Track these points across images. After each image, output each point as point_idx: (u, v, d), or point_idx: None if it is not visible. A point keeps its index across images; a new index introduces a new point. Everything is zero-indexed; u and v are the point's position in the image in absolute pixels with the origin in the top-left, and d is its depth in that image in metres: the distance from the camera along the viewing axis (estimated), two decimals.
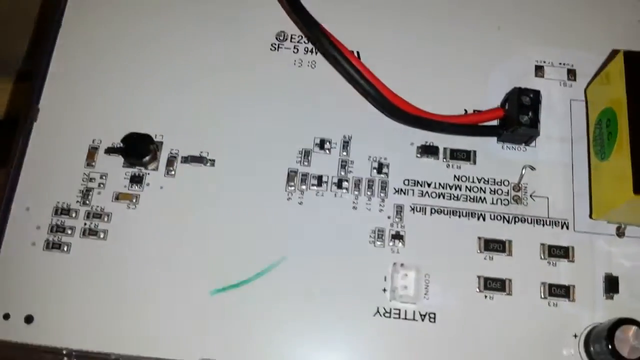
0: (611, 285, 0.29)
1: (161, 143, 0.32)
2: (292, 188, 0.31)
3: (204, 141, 0.32)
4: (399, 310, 0.29)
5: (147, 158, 0.31)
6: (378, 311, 0.29)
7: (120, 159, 0.32)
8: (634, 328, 0.26)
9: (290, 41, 0.35)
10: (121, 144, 0.32)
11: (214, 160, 0.32)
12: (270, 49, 0.34)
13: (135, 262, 0.30)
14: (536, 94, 0.30)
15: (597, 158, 0.30)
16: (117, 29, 0.34)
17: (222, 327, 0.29)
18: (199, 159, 0.32)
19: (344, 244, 0.30)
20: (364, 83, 0.31)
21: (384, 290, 0.30)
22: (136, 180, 0.32)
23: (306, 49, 0.34)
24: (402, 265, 0.29)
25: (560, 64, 0.34)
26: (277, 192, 0.31)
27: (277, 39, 0.34)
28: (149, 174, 0.32)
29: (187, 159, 0.32)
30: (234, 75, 0.34)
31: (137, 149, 0.32)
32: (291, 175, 0.32)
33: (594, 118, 0.31)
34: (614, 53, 0.32)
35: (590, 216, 0.30)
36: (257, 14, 0.35)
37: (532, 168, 0.31)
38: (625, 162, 0.26)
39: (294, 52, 0.34)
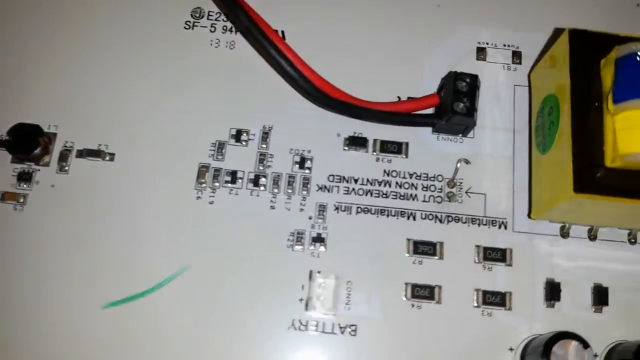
0: (552, 292, 0.26)
1: (54, 134, 0.28)
2: (203, 185, 0.28)
3: (102, 133, 0.29)
4: (317, 322, 0.26)
5: (36, 152, 0.28)
6: (293, 324, 0.26)
7: (7, 154, 0.28)
8: (574, 343, 0.23)
9: (208, 18, 0.31)
10: (7, 137, 0.28)
11: (113, 155, 0.28)
12: (185, 28, 0.30)
13: (22, 270, 0.26)
14: (473, 79, 0.27)
15: (538, 151, 0.27)
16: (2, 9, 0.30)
17: (115, 344, 0.26)
18: (96, 153, 0.28)
19: (259, 248, 0.27)
20: (284, 63, 0.27)
21: (301, 300, 0.26)
22: (24, 177, 0.28)
23: (225, 28, 0.31)
24: (319, 272, 0.26)
25: (504, 45, 0.30)
26: (186, 190, 0.28)
27: (192, 16, 0.31)
28: (39, 170, 0.28)
29: (82, 153, 0.28)
30: (140, 57, 0.30)
31: (24, 142, 0.28)
32: (202, 171, 0.28)
33: (536, 106, 0.28)
34: (557, 32, 0.29)
35: (529, 215, 0.27)
36: None
37: (467, 162, 0.27)
38: (565, 156, 0.23)
39: (210, 30, 0.31)
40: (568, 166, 0.23)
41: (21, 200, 0.27)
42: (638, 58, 0.24)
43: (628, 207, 0.23)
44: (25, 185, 0.28)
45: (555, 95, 0.25)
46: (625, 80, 0.23)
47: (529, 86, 0.29)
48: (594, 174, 0.23)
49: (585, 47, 0.25)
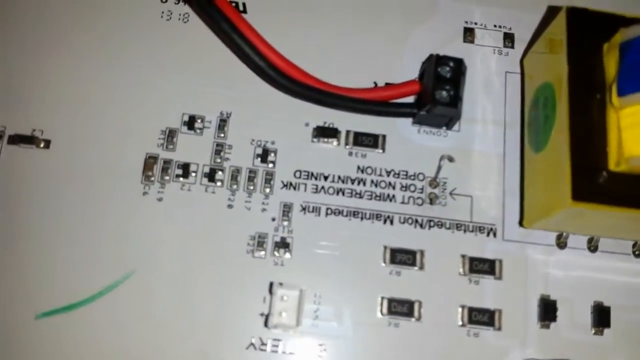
0: (547, 311, 0.23)
1: None
2: (151, 179, 0.25)
3: (36, 116, 0.25)
4: (279, 341, 0.23)
5: None
6: (252, 343, 0.23)
7: None
8: None
9: None
10: None
11: (49, 141, 0.25)
12: None
13: None
14: (457, 64, 0.23)
15: (531, 149, 0.23)
16: None
17: (48, 358, 0.23)
18: (29, 139, 0.25)
19: (214, 253, 0.24)
20: (242, 42, 0.24)
21: (262, 314, 0.23)
22: None
23: None
24: (281, 284, 0.23)
25: (495, 26, 0.27)
26: (131, 184, 0.25)
27: None
28: None
29: (14, 139, 0.25)
30: (80, 32, 0.26)
31: None
32: (149, 163, 0.25)
33: (530, 96, 0.24)
34: (552, 11, 0.26)
35: (521, 224, 0.24)
36: None
37: (451, 159, 0.24)
38: (562, 157, 0.20)
39: (161, 1, 0.27)
40: (565, 169, 0.20)
41: None
42: None
43: (634, 218, 0.20)
44: None
45: (551, 83, 0.22)
46: (631, 69, 0.20)
47: (522, 73, 0.26)
48: (595, 180, 0.20)
49: (586, 29, 0.22)
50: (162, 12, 0.27)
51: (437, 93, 0.24)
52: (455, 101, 0.24)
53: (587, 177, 0.20)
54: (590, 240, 0.24)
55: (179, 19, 0.27)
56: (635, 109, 0.20)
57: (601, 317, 0.23)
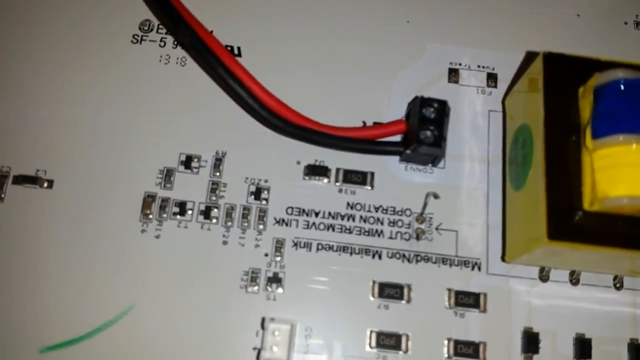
0: (530, 342, 0.24)
1: None
2: (149, 217, 0.25)
3: (40, 157, 0.26)
4: None
5: None
6: None
7: None
8: None
9: (157, 32, 0.28)
10: None
11: (52, 181, 0.26)
12: (132, 42, 0.28)
13: None
14: (441, 105, 0.24)
15: (512, 187, 0.24)
16: None
17: None
18: (33, 180, 0.26)
19: (209, 288, 0.25)
20: (236, 85, 0.25)
21: (254, 348, 0.24)
22: None
23: (175, 43, 0.28)
24: (272, 319, 0.24)
25: (478, 66, 0.28)
26: (130, 221, 0.25)
27: (140, 29, 0.28)
28: None
29: (18, 179, 0.26)
30: (83, 74, 0.27)
31: None
32: (147, 202, 0.26)
33: (510, 136, 0.25)
34: (530, 56, 0.27)
35: (503, 259, 0.25)
36: None
37: (436, 196, 0.25)
38: (539, 196, 0.21)
39: (160, 45, 0.28)
40: (541, 209, 0.21)
41: None
42: (621, 87, 0.21)
43: (610, 255, 0.21)
44: None
45: (528, 125, 0.23)
46: (605, 113, 0.21)
47: (504, 112, 0.27)
48: (570, 219, 0.21)
49: (562, 73, 0.23)
50: (161, 56, 0.28)
51: (421, 133, 0.24)
52: (439, 141, 0.24)
53: (563, 216, 0.21)
54: (572, 274, 0.25)
55: (177, 62, 0.28)
56: (608, 151, 0.21)
57: (582, 348, 0.24)
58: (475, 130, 0.27)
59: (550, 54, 0.23)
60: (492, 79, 0.28)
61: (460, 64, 0.28)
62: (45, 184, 0.26)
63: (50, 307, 0.24)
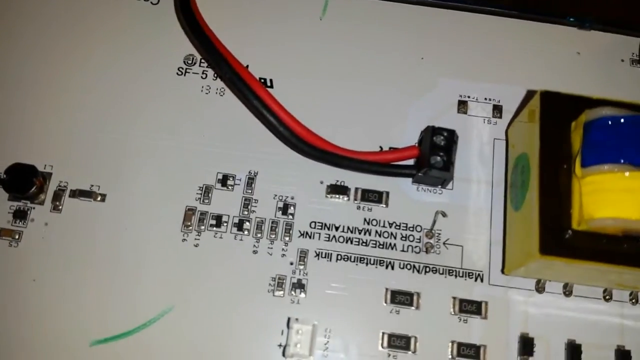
0: (525, 346, 0.26)
1: (50, 174, 0.29)
2: (189, 228, 0.29)
3: (95, 174, 0.30)
4: None
5: (31, 191, 0.29)
6: None
7: (4, 192, 0.29)
8: None
9: (200, 65, 0.32)
10: (4, 176, 0.29)
11: (104, 195, 0.29)
12: (177, 74, 0.31)
13: (14, 305, 0.27)
14: (450, 134, 0.28)
15: (512, 207, 0.27)
16: (3, 50, 0.32)
17: None
18: (88, 194, 0.29)
19: (240, 292, 0.28)
20: (266, 112, 0.28)
21: (280, 345, 0.27)
22: (20, 215, 0.29)
23: (215, 76, 0.32)
24: (297, 320, 0.27)
25: (485, 99, 0.31)
26: (172, 232, 0.29)
27: (185, 62, 0.32)
28: (34, 208, 0.29)
29: (75, 193, 0.29)
30: (133, 102, 0.31)
31: (19, 181, 0.29)
32: (188, 214, 0.29)
33: (512, 162, 0.28)
34: (530, 94, 0.30)
35: (503, 271, 0.28)
36: (165, 35, 0.32)
37: (444, 214, 0.28)
38: (533, 216, 0.24)
39: (202, 77, 0.32)
40: (535, 226, 0.24)
41: (16, 237, 0.28)
42: (609, 122, 0.24)
43: (595, 269, 0.24)
44: (20, 223, 0.29)
45: (527, 154, 0.26)
46: (593, 145, 0.24)
47: (506, 141, 0.30)
48: (560, 236, 0.23)
49: (557, 109, 0.25)
50: (202, 87, 0.31)
51: (432, 158, 0.27)
52: (448, 166, 0.27)
53: (554, 234, 0.24)
54: (565, 286, 0.27)
55: (216, 92, 0.31)
56: (594, 179, 0.24)
57: (573, 353, 0.26)
58: (481, 156, 0.30)
59: (547, 92, 0.26)
60: (497, 110, 0.31)
61: (468, 97, 0.31)
62: (99, 198, 0.29)
63: (100, 306, 0.27)
